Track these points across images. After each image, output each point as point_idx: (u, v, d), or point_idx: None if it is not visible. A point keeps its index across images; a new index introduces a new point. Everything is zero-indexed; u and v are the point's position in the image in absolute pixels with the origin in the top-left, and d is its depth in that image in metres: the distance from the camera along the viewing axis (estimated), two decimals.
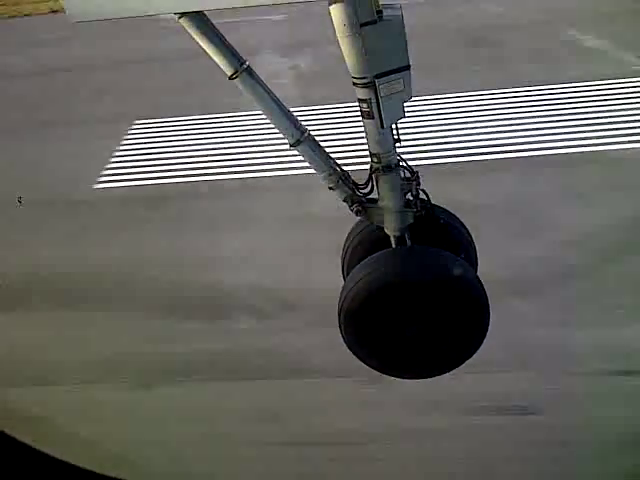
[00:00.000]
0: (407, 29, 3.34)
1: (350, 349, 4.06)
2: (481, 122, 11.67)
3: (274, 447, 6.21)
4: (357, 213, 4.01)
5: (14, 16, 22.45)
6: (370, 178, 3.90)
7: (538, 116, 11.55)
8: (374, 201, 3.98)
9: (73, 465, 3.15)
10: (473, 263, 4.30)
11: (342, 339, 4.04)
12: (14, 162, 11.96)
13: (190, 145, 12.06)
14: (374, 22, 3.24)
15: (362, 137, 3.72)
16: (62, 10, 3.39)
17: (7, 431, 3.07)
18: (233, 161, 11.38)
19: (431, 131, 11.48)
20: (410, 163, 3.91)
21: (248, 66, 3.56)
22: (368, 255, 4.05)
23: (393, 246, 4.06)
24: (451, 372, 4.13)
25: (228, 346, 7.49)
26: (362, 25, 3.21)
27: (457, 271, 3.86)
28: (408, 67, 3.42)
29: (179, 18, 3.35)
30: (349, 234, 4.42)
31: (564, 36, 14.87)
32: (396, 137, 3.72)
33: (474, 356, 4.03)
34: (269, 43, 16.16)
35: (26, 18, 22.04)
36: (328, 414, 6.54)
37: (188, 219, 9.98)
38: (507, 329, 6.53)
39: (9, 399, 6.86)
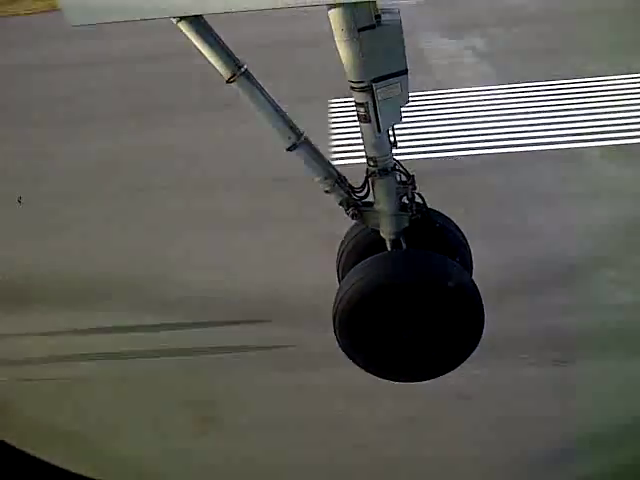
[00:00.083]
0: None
1: (345, 352, 4.08)
2: None
3: None
4: (353, 217, 4.03)
5: None
6: (366, 182, 3.92)
7: None
8: (370, 205, 4.01)
9: (74, 473, 3.16)
10: (468, 266, 4.33)
11: (337, 343, 4.07)
12: (237, 141, 11.31)
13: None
14: (372, 27, 3.27)
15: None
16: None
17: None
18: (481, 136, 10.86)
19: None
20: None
21: (246, 69, 3.58)
22: (363, 259, 4.07)
23: (389, 249, 4.08)
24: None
25: None
26: (360, 30, 3.23)
27: (452, 274, 3.89)
28: (405, 71, 3.45)
29: (177, 22, 3.36)
30: (344, 238, 4.44)
31: None
32: (393, 141, 3.75)
33: None
34: (422, 26, 15.48)
35: None
36: None
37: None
38: None
39: None
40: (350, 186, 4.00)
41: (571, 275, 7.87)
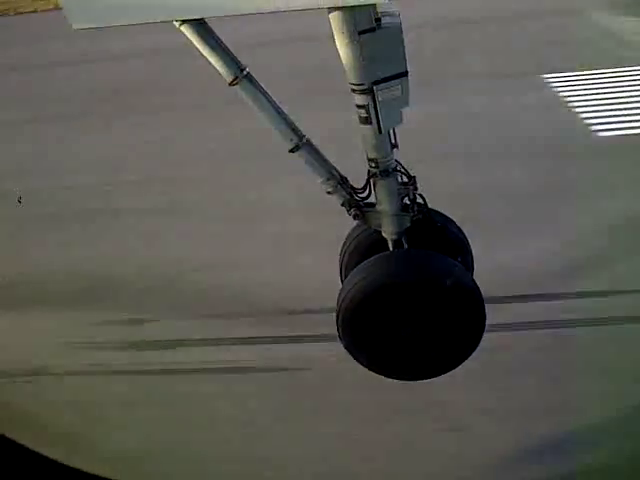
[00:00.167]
0: None
1: (348, 351, 4.11)
2: None
3: None
4: (355, 217, 4.06)
5: None
6: (368, 182, 3.94)
7: None
8: (372, 205, 4.04)
9: (72, 468, 3.19)
10: (469, 266, 4.36)
11: (340, 341, 4.10)
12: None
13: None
14: (373, 30, 3.28)
15: None
16: None
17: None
18: None
19: None
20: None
21: (248, 72, 3.60)
22: (365, 259, 4.09)
23: (390, 249, 4.11)
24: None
25: None
26: (361, 32, 3.25)
27: (454, 274, 3.91)
28: (406, 74, 3.47)
29: (180, 25, 3.38)
30: (346, 238, 4.47)
31: None
32: (393, 142, 3.77)
33: None
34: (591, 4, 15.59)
35: None
36: None
37: None
38: None
39: None
40: (352, 187, 4.03)
41: None
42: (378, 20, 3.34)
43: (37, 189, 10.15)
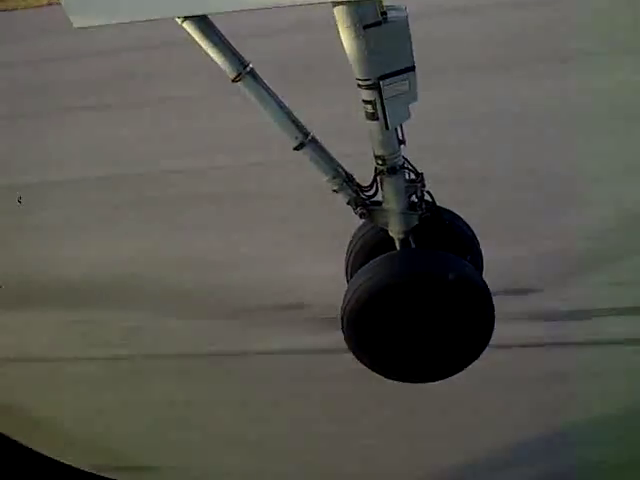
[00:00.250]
0: None
1: (354, 353, 4.06)
2: None
3: None
4: (361, 216, 4.01)
5: None
6: (374, 180, 3.89)
7: None
8: (379, 203, 3.98)
9: (72, 467, 3.15)
10: (479, 265, 4.30)
11: (345, 343, 4.04)
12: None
13: None
14: (378, 24, 3.23)
15: None
16: None
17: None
18: None
19: None
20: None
21: (252, 68, 3.55)
22: (372, 258, 4.03)
23: (397, 249, 4.05)
24: None
25: None
26: (366, 27, 3.20)
27: (463, 273, 3.85)
28: (413, 68, 3.41)
29: (182, 22, 3.33)
30: (353, 237, 4.42)
31: None
32: (401, 139, 3.71)
33: None
34: None
35: None
36: None
37: None
38: None
39: None
40: (358, 185, 3.98)
41: None
42: (384, 14, 3.28)
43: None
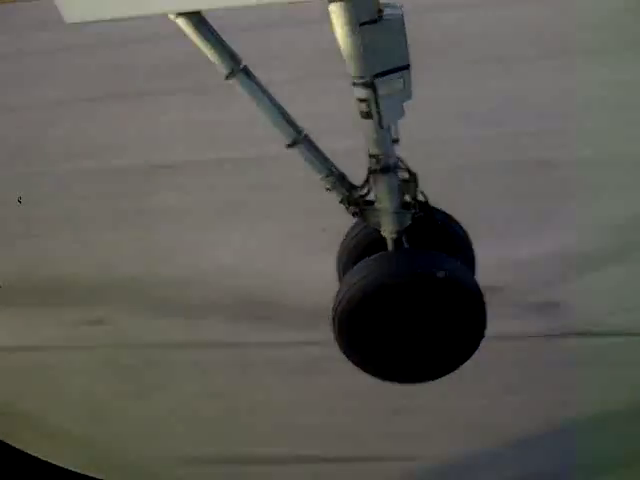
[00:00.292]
0: None
1: (345, 354, 4.04)
2: None
3: None
4: (354, 215, 4.00)
5: None
6: (368, 179, 3.87)
7: None
8: (371, 203, 3.97)
9: (64, 469, 3.13)
10: (472, 265, 4.30)
11: (337, 344, 4.02)
12: None
13: None
14: (374, 21, 3.21)
15: None
16: None
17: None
18: None
19: None
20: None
21: (245, 66, 3.53)
22: (364, 258, 4.02)
23: (390, 248, 4.04)
24: None
25: None
26: (362, 24, 3.18)
27: (455, 274, 3.84)
28: (408, 67, 3.40)
29: (176, 17, 3.30)
30: (345, 236, 4.41)
31: None
32: (395, 138, 3.70)
33: None
34: None
35: None
36: None
37: None
38: None
39: None
40: (350, 184, 3.96)
41: None
42: (380, 12, 3.26)
43: None
